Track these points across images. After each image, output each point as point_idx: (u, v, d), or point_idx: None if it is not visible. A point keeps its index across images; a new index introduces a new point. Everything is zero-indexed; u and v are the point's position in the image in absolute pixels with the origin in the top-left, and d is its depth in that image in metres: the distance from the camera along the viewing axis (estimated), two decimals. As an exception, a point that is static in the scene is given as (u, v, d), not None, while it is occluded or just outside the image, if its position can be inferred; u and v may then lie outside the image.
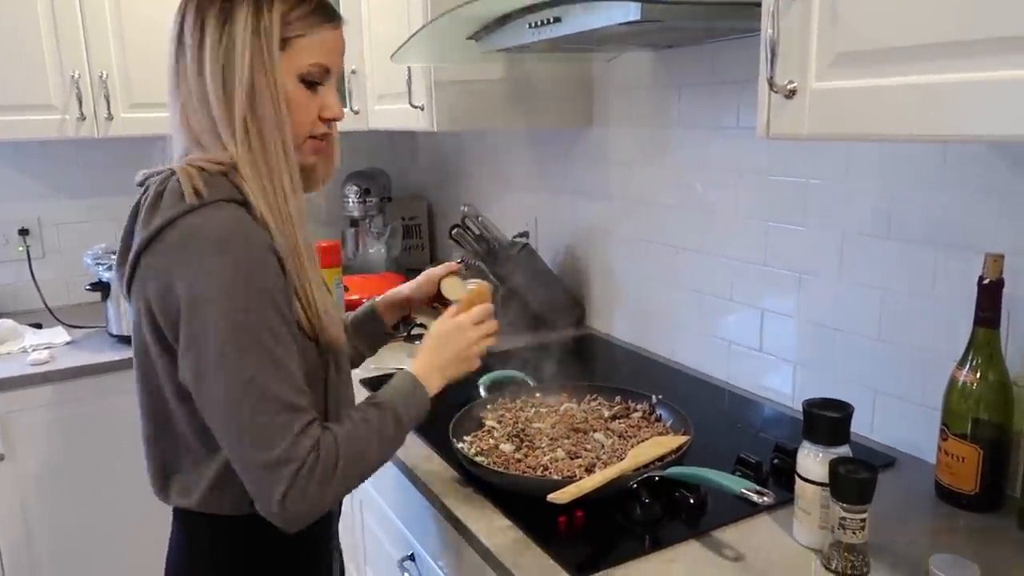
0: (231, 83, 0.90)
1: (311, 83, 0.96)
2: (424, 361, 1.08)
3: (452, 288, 1.24)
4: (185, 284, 0.85)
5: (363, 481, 0.96)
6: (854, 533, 0.93)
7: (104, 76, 2.10)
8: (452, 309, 1.16)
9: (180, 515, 1.02)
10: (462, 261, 1.38)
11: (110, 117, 2.13)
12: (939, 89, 0.71)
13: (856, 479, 0.92)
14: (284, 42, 0.93)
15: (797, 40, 0.83)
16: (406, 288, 1.30)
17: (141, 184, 0.97)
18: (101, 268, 2.06)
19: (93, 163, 2.45)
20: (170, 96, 0.96)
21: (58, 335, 2.14)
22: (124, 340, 2.08)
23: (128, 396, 1.98)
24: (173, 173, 0.90)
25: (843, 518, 0.93)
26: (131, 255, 0.91)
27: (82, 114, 2.10)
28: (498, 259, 2.01)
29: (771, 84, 0.84)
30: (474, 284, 1.21)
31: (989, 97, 0.68)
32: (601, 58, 1.84)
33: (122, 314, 2.07)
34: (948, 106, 0.71)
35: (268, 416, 0.85)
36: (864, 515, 0.93)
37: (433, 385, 1.06)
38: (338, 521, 1.15)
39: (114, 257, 2.02)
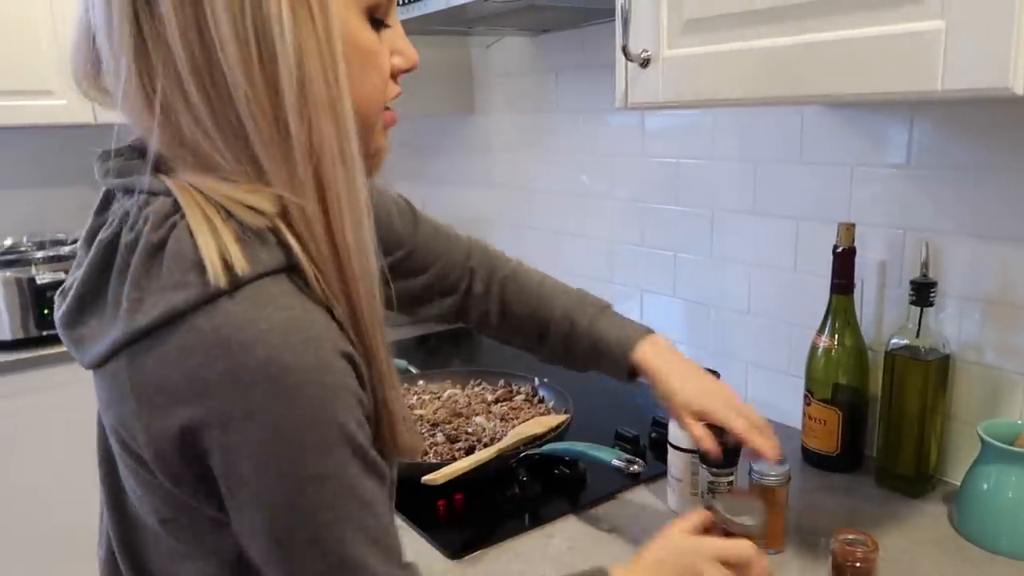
0: (268, 43, 0.52)
1: (378, 21, 0.60)
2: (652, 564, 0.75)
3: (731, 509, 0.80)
4: (213, 431, 0.52)
5: None
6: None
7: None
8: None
9: None
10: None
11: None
12: (782, 52, 0.73)
13: (721, 443, 0.93)
14: None
15: (648, 8, 0.84)
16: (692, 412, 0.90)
17: (113, 189, 0.60)
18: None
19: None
20: (117, 74, 0.55)
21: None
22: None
23: (14, 400, 1.85)
24: (176, 210, 0.54)
25: (711, 482, 0.95)
26: (106, 343, 0.55)
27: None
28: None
29: (626, 53, 0.85)
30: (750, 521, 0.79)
31: (829, 58, 0.70)
32: (480, 44, 1.83)
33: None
34: (791, 68, 0.73)
35: None
36: (731, 478, 0.95)
37: None
38: None
39: None
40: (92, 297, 0.58)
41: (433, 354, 1.58)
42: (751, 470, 0.93)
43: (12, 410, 1.86)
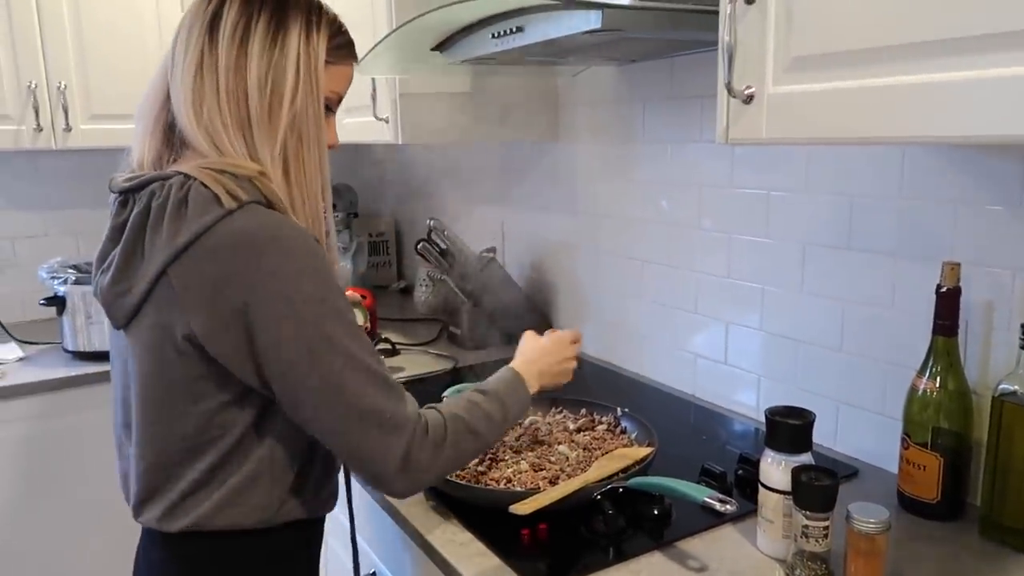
0: (278, 89, 0.88)
1: (327, 108, 0.97)
2: (525, 363, 1.11)
3: None
4: (245, 290, 0.81)
5: (470, 459, 0.97)
6: (817, 541, 0.92)
7: (62, 86, 2.06)
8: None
9: (176, 539, 0.93)
10: None
11: (68, 128, 2.09)
12: (892, 92, 0.72)
13: (818, 486, 0.91)
14: (325, 64, 0.94)
15: (753, 45, 0.83)
16: None
17: (123, 192, 0.91)
18: (56, 282, 2.00)
19: (50, 175, 2.39)
20: (182, 84, 0.88)
21: (11, 351, 2.07)
22: (80, 356, 2.03)
23: (83, 413, 1.95)
24: (188, 178, 0.85)
25: (806, 526, 0.92)
26: (152, 272, 0.84)
27: (39, 125, 2.05)
28: (464, 274, 2.00)
29: (729, 90, 0.85)
30: None
31: (940, 99, 0.68)
32: (567, 72, 1.85)
33: (78, 329, 2.01)
34: (900, 108, 0.71)
35: (372, 393, 0.85)
36: (827, 523, 0.92)
37: (532, 386, 1.08)
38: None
39: (71, 271, 2.01)
40: (134, 253, 0.87)
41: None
42: (848, 515, 0.90)
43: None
